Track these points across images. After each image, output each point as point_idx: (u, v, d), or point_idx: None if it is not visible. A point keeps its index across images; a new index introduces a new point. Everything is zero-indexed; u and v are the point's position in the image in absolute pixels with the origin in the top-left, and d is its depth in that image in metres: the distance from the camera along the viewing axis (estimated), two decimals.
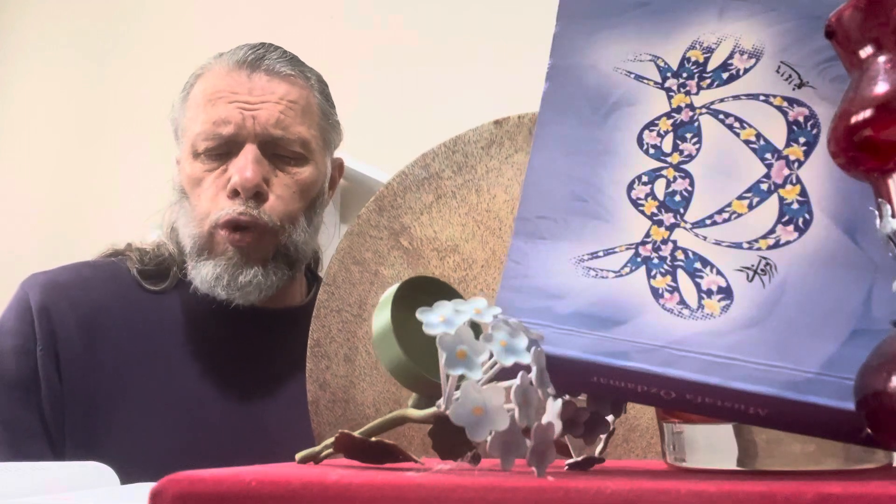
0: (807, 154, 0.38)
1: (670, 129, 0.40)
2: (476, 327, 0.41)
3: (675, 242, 0.38)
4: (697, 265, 0.37)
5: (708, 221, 0.38)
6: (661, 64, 0.41)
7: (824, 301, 0.36)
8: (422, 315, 0.35)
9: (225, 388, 0.85)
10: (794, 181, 0.38)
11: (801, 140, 0.38)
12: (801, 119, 0.39)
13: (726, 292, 0.37)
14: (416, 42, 1.43)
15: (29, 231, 1.63)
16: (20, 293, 0.86)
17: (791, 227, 0.37)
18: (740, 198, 0.38)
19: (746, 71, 0.40)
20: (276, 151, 0.84)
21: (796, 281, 0.36)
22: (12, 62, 1.75)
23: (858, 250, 0.36)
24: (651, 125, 0.40)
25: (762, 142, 0.39)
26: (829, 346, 0.35)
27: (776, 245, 0.37)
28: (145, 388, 0.83)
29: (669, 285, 0.37)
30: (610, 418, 0.41)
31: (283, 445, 0.50)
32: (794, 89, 0.39)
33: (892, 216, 0.31)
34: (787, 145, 0.38)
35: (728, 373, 0.35)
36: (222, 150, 0.84)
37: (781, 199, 0.38)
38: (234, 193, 0.82)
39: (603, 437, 0.45)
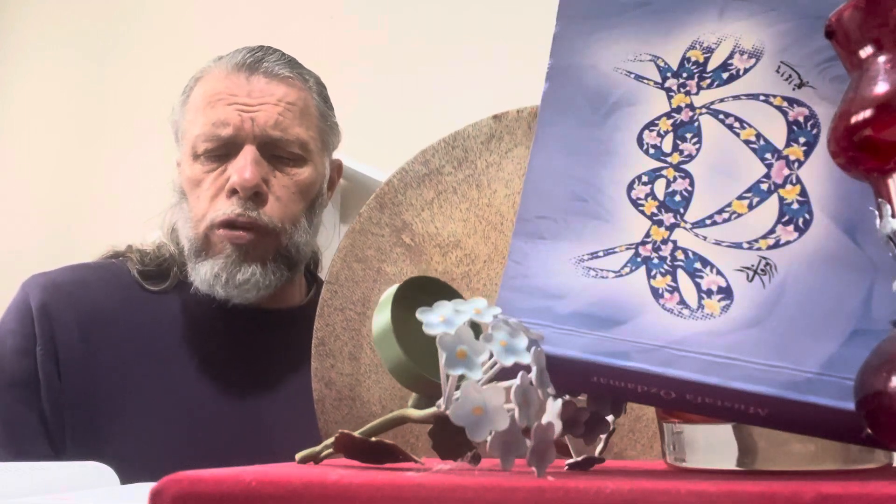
0: (807, 154, 0.38)
1: (670, 129, 0.40)
2: (476, 327, 0.41)
3: (675, 242, 0.38)
4: (697, 265, 0.37)
5: (708, 221, 0.38)
6: (661, 64, 0.41)
7: (824, 301, 0.36)
8: (422, 315, 0.35)
9: (225, 388, 0.85)
10: (794, 181, 0.38)
11: (801, 140, 0.38)
12: (801, 119, 0.39)
13: (726, 292, 0.37)
14: (416, 42, 1.43)
15: (29, 231, 1.63)
16: (21, 294, 0.86)
17: (791, 227, 0.37)
18: (740, 198, 0.38)
19: (746, 71, 0.40)
20: (275, 152, 0.85)
21: (796, 281, 0.36)
22: (12, 62, 1.75)
23: (858, 250, 0.36)
24: (651, 125, 0.40)
25: (762, 142, 0.39)
26: (829, 346, 0.35)
27: (776, 245, 0.37)
28: (145, 388, 0.83)
29: (669, 285, 0.37)
30: (610, 418, 0.41)
31: (284, 445, 0.50)
32: (794, 89, 0.39)
33: (892, 216, 0.31)
34: (787, 145, 0.38)
35: (728, 373, 0.35)
36: (221, 152, 0.84)
37: (781, 199, 0.38)
38: (233, 193, 0.82)
39: (603, 437, 0.45)
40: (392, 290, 0.43)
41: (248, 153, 0.83)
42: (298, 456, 0.40)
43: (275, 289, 0.85)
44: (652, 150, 0.40)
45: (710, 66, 0.40)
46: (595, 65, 0.42)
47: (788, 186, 0.38)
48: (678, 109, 0.40)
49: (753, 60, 0.40)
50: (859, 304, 0.35)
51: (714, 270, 0.37)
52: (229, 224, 0.82)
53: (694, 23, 0.41)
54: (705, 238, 0.38)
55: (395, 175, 0.71)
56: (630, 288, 0.38)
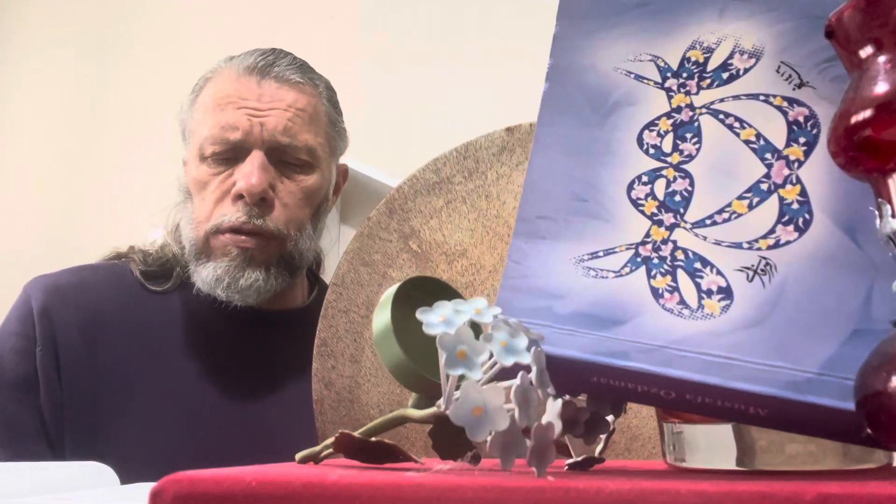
0: (807, 154, 0.38)
1: (670, 129, 0.40)
2: (476, 327, 0.41)
3: (675, 242, 0.38)
4: (697, 265, 0.37)
5: (708, 221, 0.38)
6: (661, 64, 0.41)
7: (824, 301, 0.36)
8: (422, 315, 0.35)
9: (226, 388, 0.85)
10: (794, 181, 0.38)
11: (801, 140, 0.38)
12: (801, 119, 0.39)
13: (726, 292, 0.37)
14: (416, 42, 1.43)
15: (29, 231, 1.63)
16: (23, 296, 0.86)
17: (791, 227, 0.37)
18: (740, 198, 0.38)
19: (746, 71, 0.40)
20: (283, 158, 0.85)
21: (796, 281, 0.36)
22: (12, 62, 1.75)
23: (858, 250, 0.36)
24: (651, 125, 0.40)
25: (762, 142, 0.39)
26: (829, 346, 0.35)
27: (776, 245, 0.37)
28: (146, 388, 0.83)
29: (669, 285, 0.37)
30: (610, 418, 0.41)
31: (284, 445, 0.50)
32: (794, 89, 0.39)
33: (892, 216, 0.31)
34: (787, 145, 0.38)
35: (728, 373, 0.35)
36: (229, 155, 0.84)
37: (781, 199, 0.38)
38: (239, 198, 0.83)
39: (603, 437, 0.45)
40: (392, 289, 0.43)
41: (256, 159, 0.83)
42: (298, 456, 0.40)
43: (275, 292, 0.86)
44: (652, 150, 0.40)
45: (710, 66, 0.40)
46: (595, 65, 0.42)
47: (788, 186, 0.38)
48: (678, 109, 0.40)
49: (753, 60, 0.40)
50: (859, 304, 0.35)
51: (714, 270, 0.37)
52: (235, 230, 0.83)
53: (694, 23, 0.41)
54: (705, 238, 0.38)
55: (406, 182, 0.71)
56: (630, 288, 0.38)
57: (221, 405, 0.84)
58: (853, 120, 0.31)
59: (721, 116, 0.40)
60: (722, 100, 0.40)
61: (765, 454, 0.39)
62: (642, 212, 0.39)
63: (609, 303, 0.37)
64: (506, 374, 0.34)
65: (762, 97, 0.39)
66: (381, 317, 0.42)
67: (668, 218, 0.38)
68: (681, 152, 0.39)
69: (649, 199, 0.39)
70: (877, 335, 0.33)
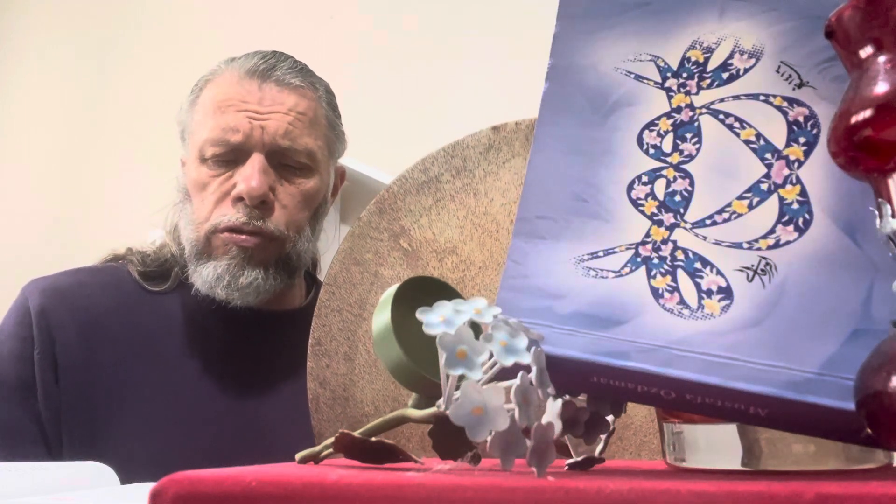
0: (807, 154, 0.38)
1: (670, 129, 0.40)
2: (476, 327, 0.41)
3: (675, 242, 0.38)
4: (697, 265, 0.37)
5: (708, 221, 0.38)
6: (661, 64, 0.41)
7: (824, 301, 0.36)
8: (422, 315, 0.35)
9: (224, 389, 0.85)
10: (794, 181, 0.38)
11: (801, 140, 0.38)
12: (801, 119, 0.39)
13: (726, 292, 0.37)
14: (416, 42, 1.43)
15: (29, 232, 1.63)
16: (20, 298, 0.86)
17: (791, 227, 0.37)
18: (740, 198, 0.38)
19: (746, 71, 0.40)
20: (283, 161, 0.85)
21: (796, 281, 0.36)
22: (13, 62, 1.75)
23: (858, 250, 0.36)
24: (651, 125, 0.40)
25: (762, 142, 0.39)
26: (829, 346, 0.35)
27: (776, 245, 0.37)
28: (145, 389, 0.83)
29: (669, 285, 0.37)
30: (610, 418, 0.41)
31: (283, 445, 0.50)
32: (794, 89, 0.39)
33: (892, 216, 0.31)
34: (787, 145, 0.38)
35: (728, 373, 0.35)
36: (229, 157, 0.84)
37: (781, 199, 0.38)
38: (238, 200, 0.83)
39: (603, 437, 0.45)
40: (392, 290, 0.43)
41: (256, 161, 0.83)
42: (298, 456, 0.40)
43: (274, 292, 0.86)
44: (652, 150, 0.40)
45: (710, 66, 0.40)
46: (595, 65, 0.42)
47: (788, 186, 0.38)
48: (678, 109, 0.40)
49: (753, 60, 0.40)
50: (859, 304, 0.35)
51: (714, 270, 0.37)
52: (235, 230, 0.83)
53: (694, 23, 0.41)
54: (705, 238, 0.38)
55: (395, 182, 0.72)
56: (630, 288, 0.38)
57: (220, 405, 0.84)
58: (853, 120, 0.31)
59: (721, 116, 0.39)
60: (722, 100, 0.40)
61: (765, 454, 0.39)
62: (642, 212, 0.39)
63: (609, 303, 0.37)
64: (506, 374, 0.34)
65: (762, 97, 0.39)
66: (381, 317, 0.42)
67: (668, 218, 0.38)
68: (681, 152, 0.39)
69: (649, 199, 0.39)
70: (877, 335, 0.33)
